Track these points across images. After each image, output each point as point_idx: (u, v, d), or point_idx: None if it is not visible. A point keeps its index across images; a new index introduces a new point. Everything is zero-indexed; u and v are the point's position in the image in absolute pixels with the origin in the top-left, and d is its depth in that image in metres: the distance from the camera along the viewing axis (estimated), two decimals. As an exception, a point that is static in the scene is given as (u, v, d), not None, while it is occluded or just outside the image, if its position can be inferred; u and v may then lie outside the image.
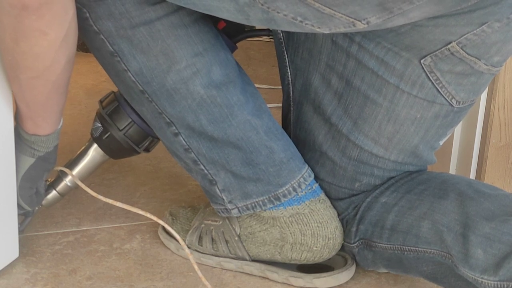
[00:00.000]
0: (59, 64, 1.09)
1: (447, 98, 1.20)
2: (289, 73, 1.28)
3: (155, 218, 1.22)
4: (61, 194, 1.34)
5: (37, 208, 1.31)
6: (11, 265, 1.27)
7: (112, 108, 1.30)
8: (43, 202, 1.32)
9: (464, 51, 1.13)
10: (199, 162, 1.22)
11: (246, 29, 1.32)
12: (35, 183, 1.25)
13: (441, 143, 1.29)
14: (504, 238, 1.11)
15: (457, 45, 1.13)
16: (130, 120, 1.29)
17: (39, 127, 1.18)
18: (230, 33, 1.29)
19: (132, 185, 1.57)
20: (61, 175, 1.33)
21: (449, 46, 1.13)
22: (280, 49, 1.29)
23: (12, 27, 1.02)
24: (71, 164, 1.33)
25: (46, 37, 1.04)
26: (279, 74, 1.31)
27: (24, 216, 1.31)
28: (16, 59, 1.07)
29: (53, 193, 1.33)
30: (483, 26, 1.10)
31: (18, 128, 1.19)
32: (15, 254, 1.27)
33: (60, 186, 1.33)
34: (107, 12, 1.12)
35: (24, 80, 1.10)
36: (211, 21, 1.19)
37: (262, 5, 1.04)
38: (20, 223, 1.32)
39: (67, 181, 1.33)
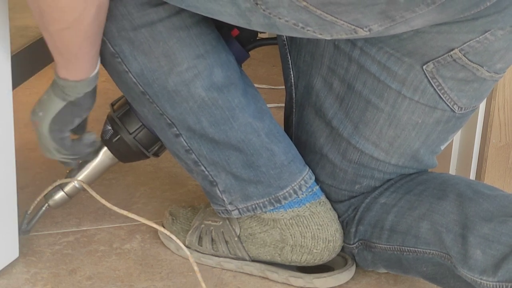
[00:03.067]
0: (88, 14, 1.06)
1: (449, 104, 1.20)
2: (292, 76, 1.28)
3: (155, 226, 1.23)
4: (69, 196, 1.34)
5: (81, 160, 1.28)
6: (11, 265, 1.27)
7: (123, 111, 1.30)
8: (50, 203, 1.33)
9: (466, 58, 1.13)
10: (200, 163, 1.22)
11: (258, 37, 1.32)
12: (65, 126, 1.21)
13: (442, 147, 1.29)
14: (502, 239, 1.11)
15: (460, 52, 1.12)
16: (140, 124, 1.29)
17: (69, 72, 1.14)
18: (243, 41, 1.29)
19: (132, 185, 1.57)
20: (69, 177, 1.33)
21: (451, 52, 1.13)
22: (284, 51, 1.29)
23: None
24: (80, 166, 1.33)
25: None
26: (283, 75, 1.31)
27: (66, 165, 1.28)
28: (43, 11, 1.05)
29: (60, 194, 1.33)
30: (486, 34, 1.10)
31: (55, 74, 1.16)
32: (15, 254, 1.28)
33: (69, 187, 1.33)
34: (109, 13, 1.12)
35: (54, 32, 1.08)
36: (213, 23, 1.19)
37: (264, 10, 1.04)
38: (27, 223, 1.33)
39: (76, 182, 1.33)
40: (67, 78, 1.14)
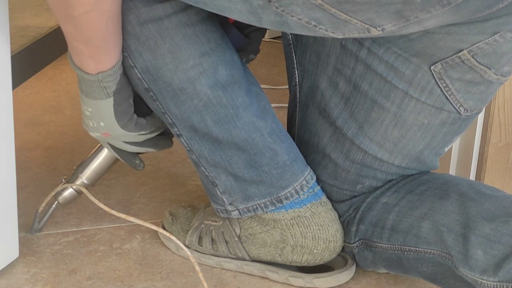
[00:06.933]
0: None
1: (455, 106, 1.20)
2: (297, 75, 1.28)
3: (155, 227, 1.24)
4: (78, 192, 1.34)
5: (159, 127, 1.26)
6: (11, 265, 1.27)
7: None
8: (60, 201, 1.34)
9: (475, 59, 1.13)
10: (200, 164, 1.22)
11: None
12: (129, 112, 1.20)
13: (446, 149, 1.29)
14: (504, 239, 1.11)
15: (468, 53, 1.12)
16: None
17: (102, 63, 1.13)
18: (241, 27, 1.28)
19: (132, 185, 1.57)
20: (77, 172, 1.34)
21: (460, 54, 1.13)
22: (289, 50, 1.28)
23: None
24: (86, 163, 1.34)
25: None
26: (287, 75, 1.30)
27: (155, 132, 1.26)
28: None
29: (69, 191, 1.34)
30: (495, 36, 1.10)
31: (82, 80, 1.15)
32: (15, 254, 1.28)
33: (77, 184, 1.34)
34: None
35: (78, 17, 1.06)
36: (217, 21, 1.19)
37: (276, 8, 1.04)
38: (38, 222, 1.36)
39: (84, 178, 1.33)
40: (101, 70, 1.13)
